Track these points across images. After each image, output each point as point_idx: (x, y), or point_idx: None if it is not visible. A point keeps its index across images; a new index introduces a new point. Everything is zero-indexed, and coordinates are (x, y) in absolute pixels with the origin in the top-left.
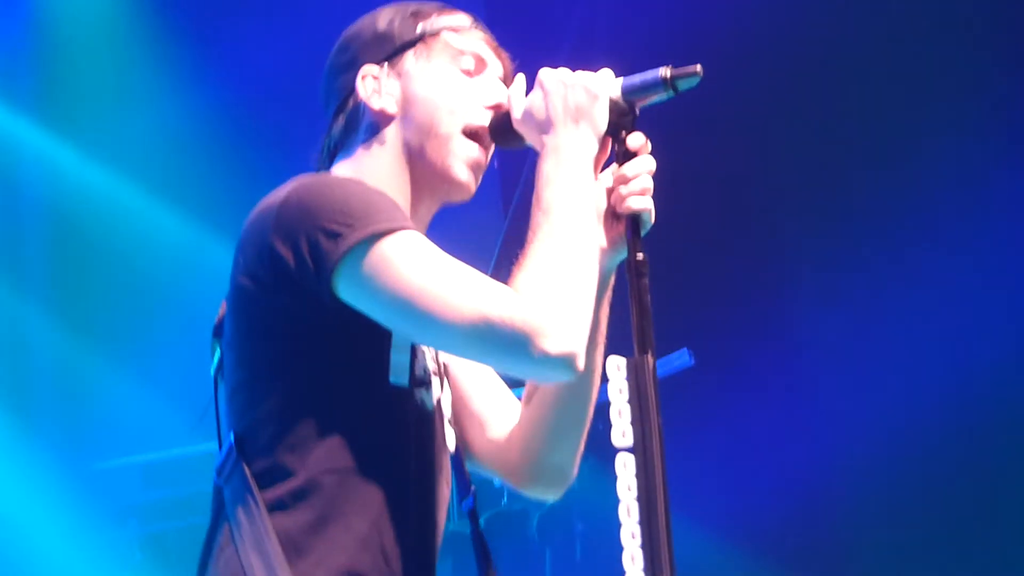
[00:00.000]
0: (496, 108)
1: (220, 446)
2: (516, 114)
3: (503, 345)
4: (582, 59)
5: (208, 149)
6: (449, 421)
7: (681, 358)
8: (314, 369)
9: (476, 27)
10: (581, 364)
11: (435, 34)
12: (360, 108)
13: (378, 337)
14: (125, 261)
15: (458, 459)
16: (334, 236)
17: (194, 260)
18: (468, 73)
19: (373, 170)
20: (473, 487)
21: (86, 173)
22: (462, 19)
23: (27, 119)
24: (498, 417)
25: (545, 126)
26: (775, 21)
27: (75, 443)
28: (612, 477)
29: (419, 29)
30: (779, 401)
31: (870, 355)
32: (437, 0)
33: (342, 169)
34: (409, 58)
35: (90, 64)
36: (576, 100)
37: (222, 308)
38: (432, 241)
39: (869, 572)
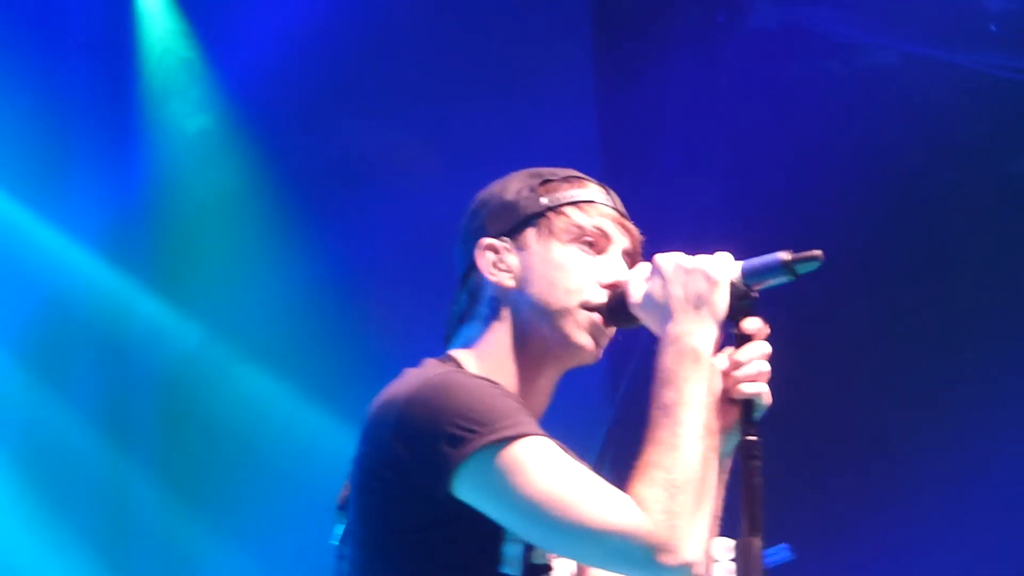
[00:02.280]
0: (613, 287)
1: None
2: (635, 298)
3: (624, 557)
4: (698, 240)
5: (321, 323)
6: None
7: (781, 553)
8: (427, 562)
9: (604, 200)
10: (701, 572)
11: (559, 208)
12: (483, 281)
13: (490, 530)
14: (228, 428)
15: None
16: (457, 440)
17: (299, 432)
18: (590, 250)
19: (494, 345)
20: None
21: (195, 337)
22: (590, 192)
23: (139, 283)
24: None
25: (664, 313)
26: (894, 201)
27: None
28: None
29: (543, 201)
30: None
31: (988, 547)
32: (571, 169)
33: (465, 348)
34: (531, 232)
35: (205, 231)
36: (696, 287)
37: (347, 484)
38: (542, 422)
39: None
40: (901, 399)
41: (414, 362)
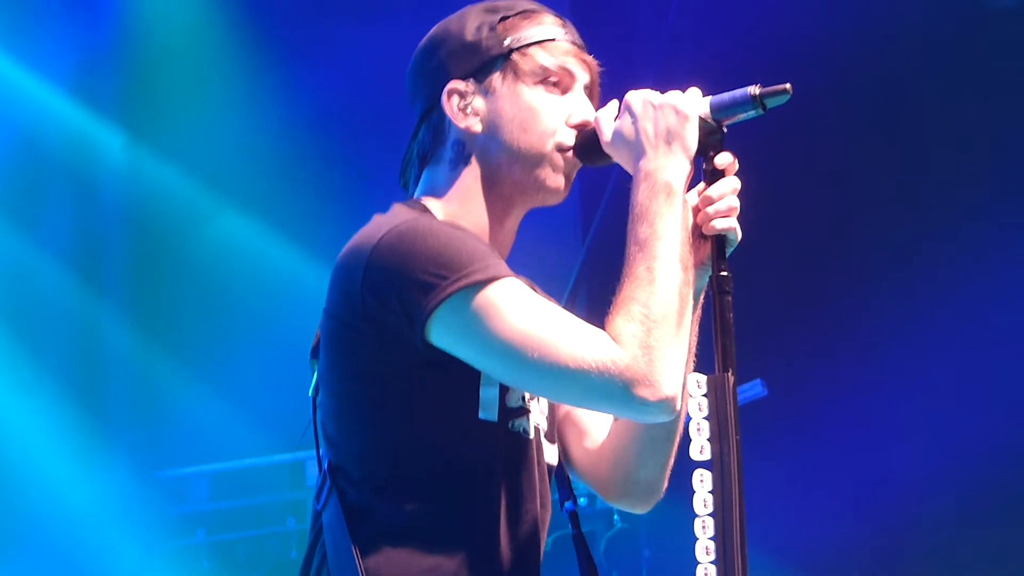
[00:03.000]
0: (582, 126)
1: (320, 466)
2: (606, 137)
3: (602, 393)
4: (667, 75)
5: (292, 160)
6: (547, 437)
7: (754, 388)
8: (402, 409)
9: (563, 36)
10: (679, 406)
11: (522, 49)
12: (446, 122)
13: (467, 375)
14: (205, 270)
15: (560, 470)
16: (429, 287)
17: (273, 272)
18: (556, 90)
19: (462, 189)
20: (575, 494)
21: (168, 179)
22: (550, 29)
23: (110, 122)
24: (595, 429)
25: (636, 150)
26: (862, 34)
27: (147, 449)
28: (680, 505)
29: (507, 43)
30: (852, 427)
31: (947, 381)
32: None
33: (431, 193)
34: (496, 76)
35: (176, 70)
36: (666, 122)
37: (319, 332)
38: (510, 261)
39: None
40: (873, 234)
41: (389, 200)
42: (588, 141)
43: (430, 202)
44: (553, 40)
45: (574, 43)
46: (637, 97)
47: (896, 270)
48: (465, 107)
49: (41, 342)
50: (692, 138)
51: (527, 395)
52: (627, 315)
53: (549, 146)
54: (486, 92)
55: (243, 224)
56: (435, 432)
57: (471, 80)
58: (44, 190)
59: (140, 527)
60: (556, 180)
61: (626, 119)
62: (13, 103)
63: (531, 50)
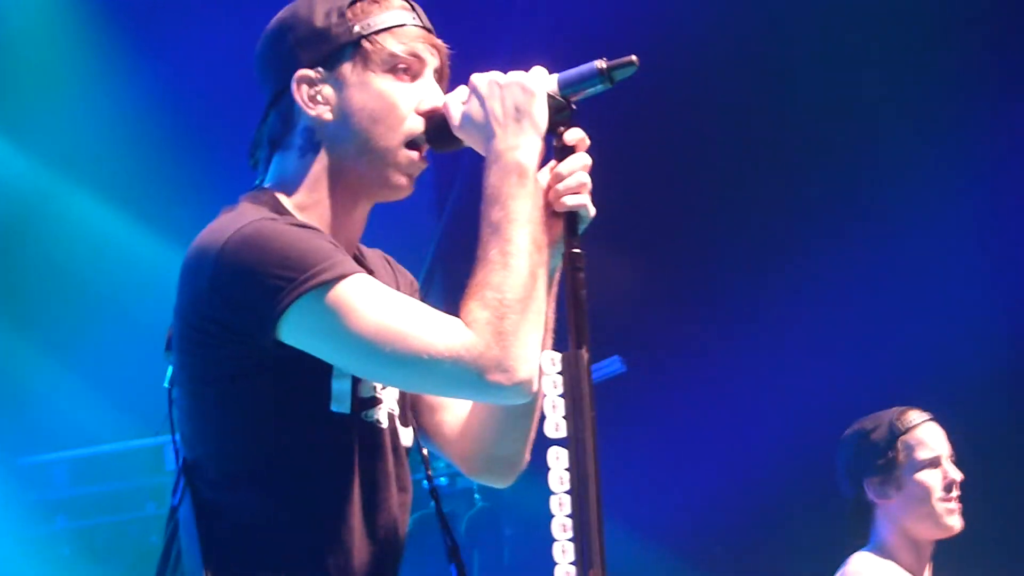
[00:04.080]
0: (432, 113)
1: (176, 459)
2: (455, 121)
3: (458, 381)
4: (520, 61)
5: (147, 144)
6: (400, 421)
7: (613, 364)
8: (253, 408)
9: (412, 21)
10: (534, 388)
11: (371, 36)
12: (296, 110)
13: (318, 370)
14: (58, 256)
15: (418, 449)
16: (276, 290)
17: (129, 257)
18: (406, 76)
19: (311, 179)
20: (431, 472)
21: (20, 166)
22: (398, 15)
23: None
24: (453, 405)
25: (486, 131)
26: (717, 10)
27: (4, 436)
28: (540, 483)
29: (356, 30)
30: (708, 404)
31: (805, 355)
32: None
33: (280, 182)
34: (346, 65)
35: (27, 57)
36: (514, 99)
37: (172, 327)
38: (367, 242)
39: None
40: (729, 207)
41: (242, 183)
42: (438, 127)
43: (279, 192)
44: (402, 25)
45: (423, 27)
46: (483, 79)
47: (753, 243)
48: (315, 95)
49: None
50: (541, 115)
51: (379, 384)
52: (480, 300)
53: (398, 139)
54: (336, 81)
55: (99, 210)
56: (286, 428)
57: (321, 68)
58: None
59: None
60: (399, 179)
61: (473, 101)
62: None
63: (380, 37)
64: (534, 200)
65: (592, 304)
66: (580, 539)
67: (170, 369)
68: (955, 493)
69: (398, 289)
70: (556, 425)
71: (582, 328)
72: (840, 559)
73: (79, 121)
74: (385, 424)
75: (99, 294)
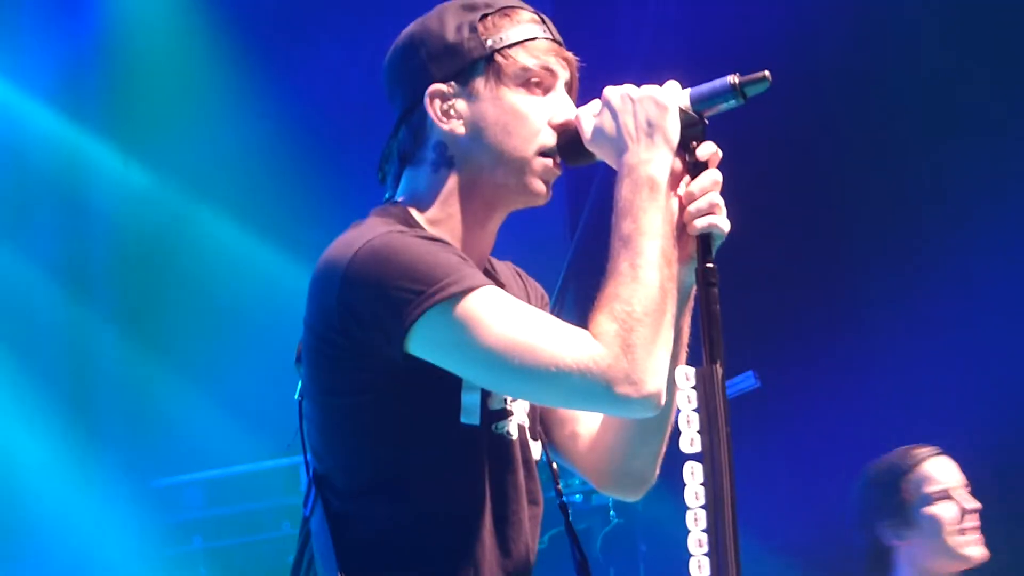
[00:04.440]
0: (564, 127)
1: (307, 470)
2: (587, 134)
3: (586, 393)
4: (651, 69)
5: (277, 162)
6: (531, 434)
7: (747, 380)
8: (383, 420)
9: (543, 34)
10: (662, 401)
11: (503, 50)
12: (428, 124)
13: (448, 382)
14: (193, 276)
15: (547, 464)
16: (404, 303)
17: (261, 276)
18: (538, 90)
19: (444, 193)
20: (560, 486)
21: (154, 187)
22: (530, 28)
23: (95, 135)
24: (585, 418)
25: (618, 145)
26: (847, 25)
27: (139, 458)
28: (675, 499)
29: (488, 44)
30: (843, 419)
31: (933, 370)
32: None
33: (412, 196)
34: (479, 80)
35: (159, 80)
36: (646, 114)
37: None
38: (500, 257)
39: None
40: (862, 223)
41: (372, 200)
42: (570, 140)
43: (410, 206)
44: (534, 39)
45: (554, 40)
46: (615, 92)
47: (890, 255)
48: (448, 110)
49: (31, 353)
50: (673, 129)
51: (508, 397)
52: (609, 313)
53: (532, 149)
54: (469, 95)
55: (230, 229)
56: (416, 440)
57: (453, 83)
58: (29, 201)
59: (135, 537)
60: (538, 185)
61: (606, 115)
62: None
63: (512, 51)
64: (665, 214)
65: (726, 319)
66: (716, 554)
67: (300, 382)
68: (971, 523)
69: (528, 301)
70: (691, 440)
71: (716, 343)
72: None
73: (212, 141)
74: (515, 436)
75: (233, 314)
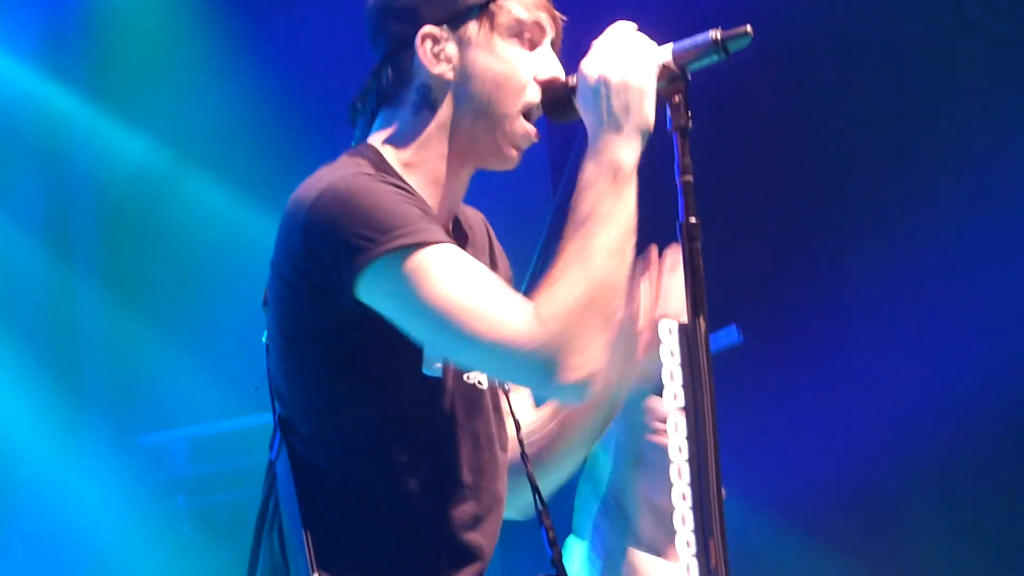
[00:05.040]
0: (551, 83)
1: (273, 414)
2: (578, 95)
3: (517, 369)
4: (636, 18)
5: (260, 124)
6: (504, 391)
7: (730, 335)
8: (345, 367)
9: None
10: (597, 387)
11: (500, 1)
12: (415, 65)
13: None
14: (172, 235)
15: (517, 426)
16: (357, 249)
17: (240, 234)
18: (527, 45)
19: (421, 136)
20: (522, 435)
21: (134, 149)
22: None
23: (77, 95)
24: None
25: (593, 118)
26: None
27: (123, 415)
28: None
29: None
30: (829, 377)
31: (926, 331)
32: None
33: (387, 135)
34: (472, 25)
35: (140, 41)
36: (623, 99)
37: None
38: (482, 211)
39: (916, 551)
40: (844, 177)
41: None
42: (556, 97)
43: (384, 147)
44: None
45: None
46: (593, 69)
47: (874, 216)
48: (438, 53)
49: (12, 314)
50: (649, 115)
51: None
52: (552, 294)
53: (517, 106)
54: (460, 41)
55: (216, 191)
56: (380, 390)
57: (445, 26)
58: (11, 163)
59: (119, 494)
60: (510, 151)
61: (584, 86)
62: None
63: (507, 2)
64: (624, 202)
65: (708, 274)
66: (700, 508)
67: (266, 326)
68: None
69: (491, 262)
70: (675, 394)
71: (699, 297)
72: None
73: (195, 101)
74: (485, 385)
75: (215, 273)
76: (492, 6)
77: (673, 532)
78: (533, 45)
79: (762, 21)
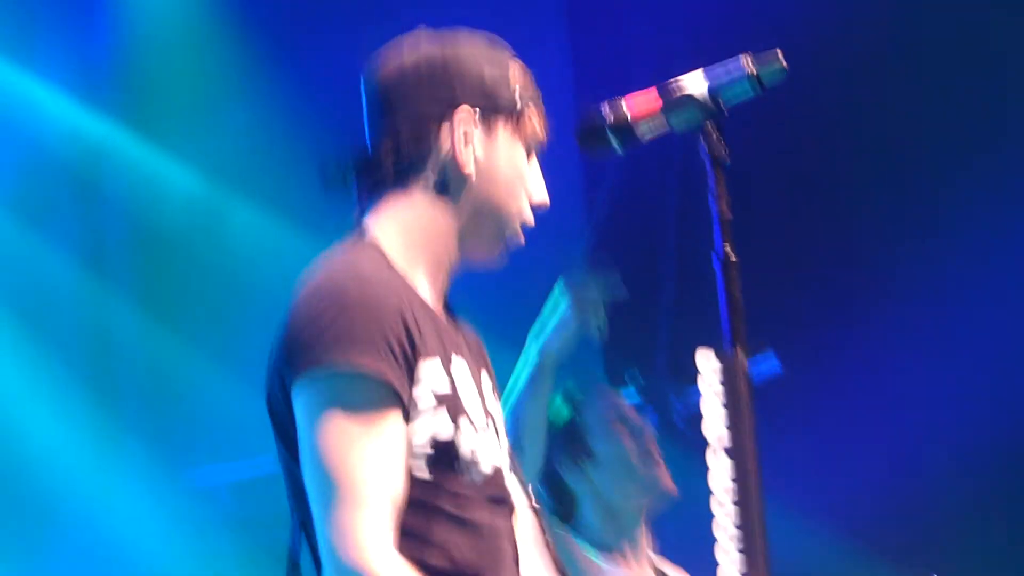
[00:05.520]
0: (540, 207)
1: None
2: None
3: (326, 554)
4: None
5: (297, 150)
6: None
7: (767, 363)
8: None
9: (541, 103)
10: None
11: (527, 107)
12: (438, 145)
13: None
14: (210, 260)
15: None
16: (300, 356)
17: (280, 259)
18: (529, 159)
19: (429, 222)
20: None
21: (170, 173)
22: (538, 95)
23: (109, 120)
24: None
25: None
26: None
27: (166, 446)
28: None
29: (517, 94)
30: (869, 398)
31: (964, 351)
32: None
33: (395, 214)
34: (501, 122)
35: (172, 64)
36: None
37: None
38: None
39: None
40: (881, 210)
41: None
42: (590, 129)
43: (387, 229)
44: (543, 111)
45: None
46: None
47: (914, 237)
48: (468, 137)
49: (54, 339)
50: None
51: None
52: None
53: (520, 217)
54: (489, 132)
55: (252, 212)
56: None
57: (478, 113)
58: (53, 193)
59: (162, 521)
60: (500, 258)
61: None
62: (16, 107)
63: (531, 111)
64: None
65: (747, 307)
66: (743, 538)
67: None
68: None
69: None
70: (714, 425)
71: (738, 329)
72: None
73: (231, 126)
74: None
75: (247, 293)
76: (524, 110)
77: (623, 531)
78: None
79: (796, 39)
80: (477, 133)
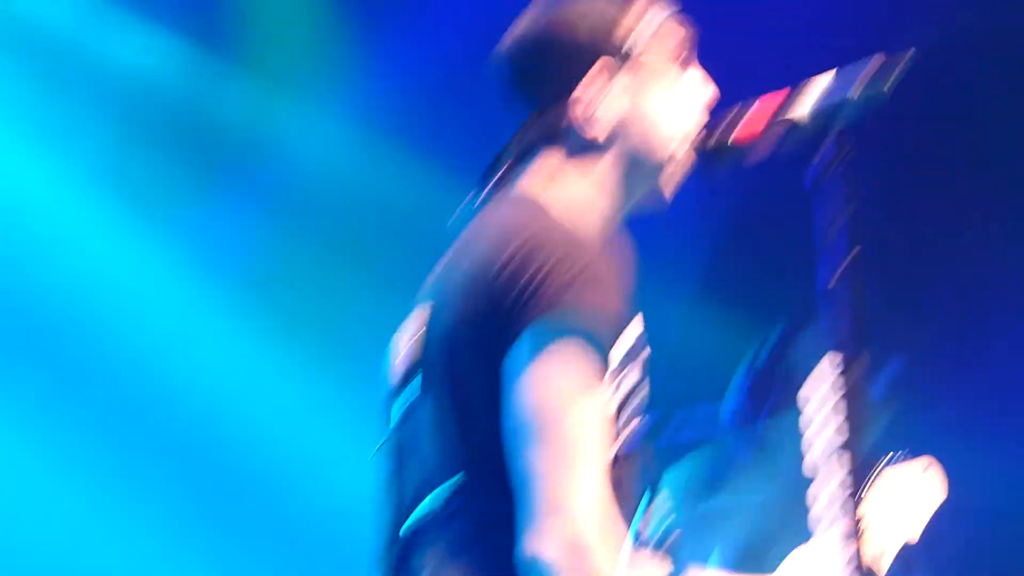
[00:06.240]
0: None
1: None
2: None
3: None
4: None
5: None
6: None
7: (890, 370)
8: None
9: (672, 16)
10: None
11: (644, 47)
12: (568, 124)
13: None
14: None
15: None
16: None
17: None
18: (677, 79)
19: (593, 180)
20: None
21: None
22: (660, 15)
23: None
24: None
25: None
26: None
27: None
28: None
29: (629, 46)
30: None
31: None
32: None
33: (551, 179)
34: (621, 78)
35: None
36: None
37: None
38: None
39: None
40: (1010, 223)
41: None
42: (718, 147)
43: (551, 193)
44: (666, 23)
45: (678, 16)
46: None
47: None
48: (591, 114)
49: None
50: None
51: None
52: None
53: (676, 144)
54: (633, 72)
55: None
56: None
57: (618, 58)
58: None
59: None
60: (670, 192)
61: None
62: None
63: (652, 44)
64: None
65: (872, 307)
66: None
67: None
68: None
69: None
70: (834, 429)
71: (862, 335)
72: None
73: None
74: None
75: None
76: (636, 52)
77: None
78: (686, 64)
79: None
80: (621, 76)
